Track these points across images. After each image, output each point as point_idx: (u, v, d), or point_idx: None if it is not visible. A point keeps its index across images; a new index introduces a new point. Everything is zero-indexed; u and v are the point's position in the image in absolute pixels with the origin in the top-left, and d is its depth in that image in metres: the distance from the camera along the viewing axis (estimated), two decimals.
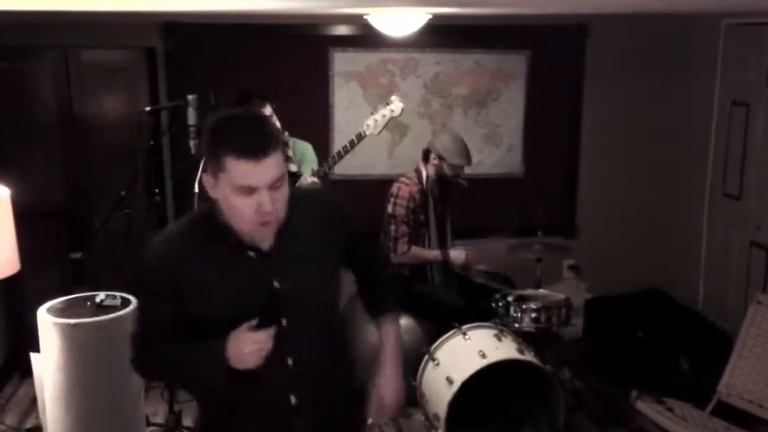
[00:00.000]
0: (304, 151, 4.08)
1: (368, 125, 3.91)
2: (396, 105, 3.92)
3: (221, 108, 1.85)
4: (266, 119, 1.87)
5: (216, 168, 1.76)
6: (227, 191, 1.76)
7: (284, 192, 1.80)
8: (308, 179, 3.80)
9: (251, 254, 1.85)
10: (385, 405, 2.03)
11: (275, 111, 3.90)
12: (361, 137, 3.90)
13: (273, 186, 1.76)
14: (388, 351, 2.08)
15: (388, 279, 2.24)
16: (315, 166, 4.05)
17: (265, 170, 1.73)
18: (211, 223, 1.86)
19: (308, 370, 1.92)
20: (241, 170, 1.72)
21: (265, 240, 1.83)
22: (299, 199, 1.95)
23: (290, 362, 1.90)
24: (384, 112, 3.92)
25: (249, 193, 1.74)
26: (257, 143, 1.73)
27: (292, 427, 1.93)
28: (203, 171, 1.84)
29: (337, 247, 1.98)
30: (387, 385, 2.03)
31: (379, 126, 3.91)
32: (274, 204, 1.76)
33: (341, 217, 2.03)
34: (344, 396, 2.09)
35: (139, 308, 2.00)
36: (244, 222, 1.79)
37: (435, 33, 4.75)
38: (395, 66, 5.08)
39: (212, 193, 1.82)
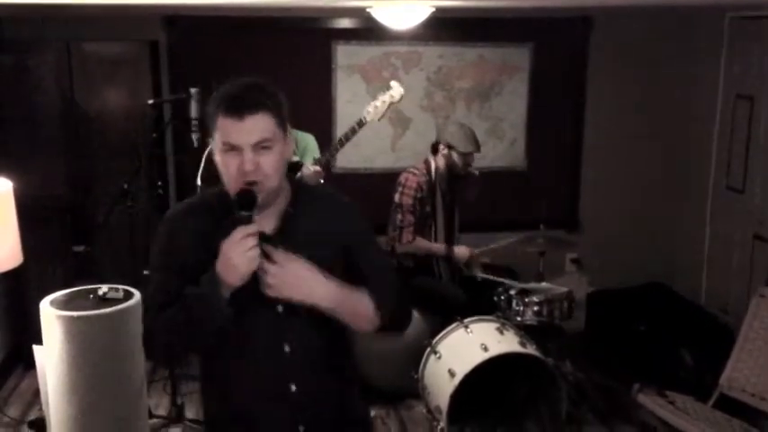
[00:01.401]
0: (306, 142, 4.07)
1: (368, 111, 3.88)
2: (396, 91, 3.89)
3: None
4: (266, 84, 1.85)
5: (212, 129, 1.82)
6: (218, 150, 1.81)
7: (272, 158, 1.80)
8: (309, 168, 3.79)
9: None
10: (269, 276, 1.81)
11: None
12: (361, 123, 3.88)
13: (258, 148, 1.78)
14: (344, 284, 1.88)
15: (395, 293, 2.01)
16: (317, 156, 4.04)
17: (249, 129, 1.76)
18: (222, 201, 1.87)
19: (306, 358, 1.91)
20: (226, 126, 1.77)
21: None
22: (311, 194, 1.98)
23: (286, 348, 1.88)
24: (384, 98, 3.88)
25: (233, 151, 1.78)
26: (243, 101, 1.77)
27: (295, 416, 1.92)
28: (211, 137, 1.87)
29: (341, 246, 1.94)
30: (292, 263, 1.81)
31: (380, 112, 3.87)
32: (258, 167, 1.77)
33: (348, 220, 2.00)
34: (345, 386, 2.06)
35: (151, 277, 1.95)
36: (229, 182, 1.81)
37: (438, 26, 4.74)
38: (398, 59, 5.07)
39: (215, 159, 1.86)
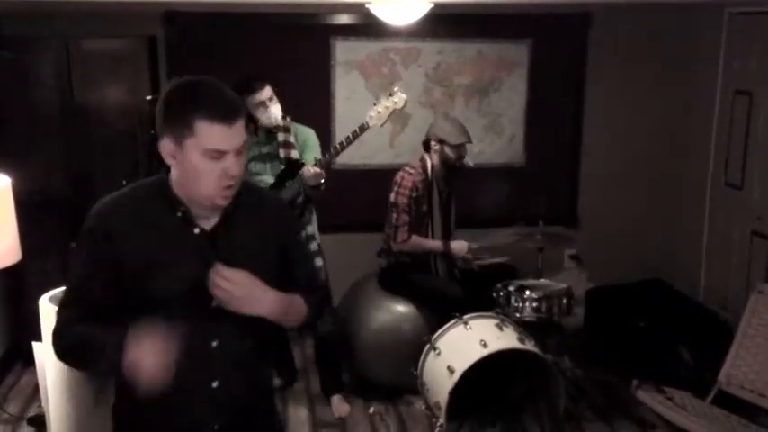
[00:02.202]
0: (306, 137, 4.06)
1: (371, 116, 3.86)
2: (399, 97, 3.87)
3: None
4: (225, 86, 1.84)
5: (182, 134, 1.76)
6: (193, 156, 1.77)
7: (243, 158, 1.84)
8: (311, 170, 3.78)
9: (195, 231, 1.86)
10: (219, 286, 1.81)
11: (276, 94, 3.89)
12: (363, 128, 3.87)
13: (239, 152, 1.80)
14: (286, 295, 1.93)
15: (318, 293, 2.14)
16: (317, 152, 4.03)
17: (235, 134, 1.77)
18: (161, 193, 1.86)
19: (232, 356, 1.92)
20: (213, 133, 1.75)
21: (223, 201, 1.83)
22: (250, 191, 1.99)
23: (213, 344, 1.89)
24: (387, 104, 3.86)
25: (218, 158, 1.77)
26: (230, 107, 1.77)
27: (212, 412, 1.92)
28: (159, 138, 1.81)
29: (277, 246, 1.99)
30: (244, 279, 1.82)
31: (383, 118, 3.86)
32: (239, 169, 1.80)
33: (286, 220, 2.09)
34: (266, 388, 2.11)
35: (72, 271, 1.91)
36: (208, 188, 1.79)
37: (437, 22, 4.74)
38: (396, 55, 5.06)
39: (171, 162, 1.82)
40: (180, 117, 1.76)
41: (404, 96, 3.88)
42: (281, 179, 3.87)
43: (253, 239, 1.93)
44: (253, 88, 3.81)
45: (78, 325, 1.86)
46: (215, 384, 1.91)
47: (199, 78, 1.83)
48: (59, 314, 1.92)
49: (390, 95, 3.92)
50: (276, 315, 1.90)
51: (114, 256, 1.83)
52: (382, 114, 3.85)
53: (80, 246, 1.90)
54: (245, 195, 1.93)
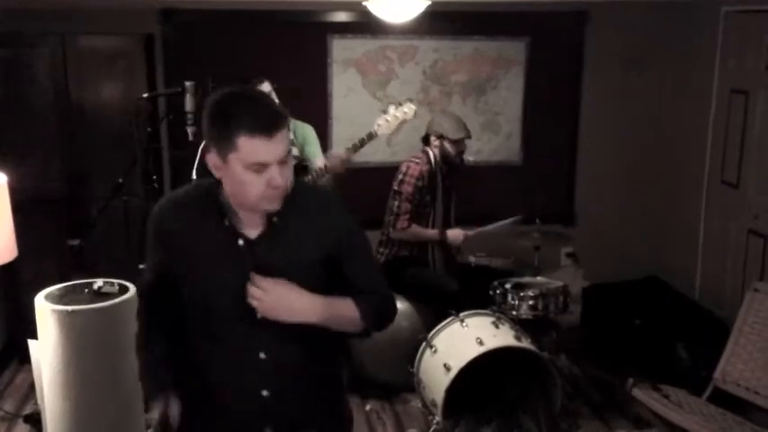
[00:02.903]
0: (306, 133, 4.07)
1: (379, 125, 3.77)
2: (409, 108, 3.79)
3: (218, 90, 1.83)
4: (268, 97, 1.86)
5: (225, 148, 1.75)
6: (237, 170, 1.75)
7: (290, 166, 1.83)
8: (317, 163, 3.80)
9: (240, 242, 1.86)
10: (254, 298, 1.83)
11: (275, 90, 3.89)
12: (371, 136, 3.81)
13: (283, 161, 1.77)
14: (329, 298, 1.91)
15: (376, 297, 2.01)
16: (317, 147, 4.04)
17: (277, 146, 1.75)
18: (212, 200, 1.87)
19: (282, 365, 1.91)
20: (255, 147, 1.73)
21: (271, 206, 1.82)
22: (301, 192, 1.93)
23: (262, 356, 1.89)
24: (396, 114, 3.78)
25: (261, 170, 1.75)
26: (270, 119, 1.74)
27: (263, 420, 1.93)
28: (206, 152, 1.81)
29: (328, 245, 1.92)
30: (276, 286, 1.83)
31: (391, 127, 3.79)
32: (284, 178, 1.78)
33: (337, 218, 1.97)
34: (323, 393, 2.06)
35: (144, 268, 2.04)
36: (254, 198, 1.79)
37: (434, 20, 4.73)
38: (393, 53, 5.06)
39: (218, 174, 1.82)
40: (222, 132, 1.75)
41: (413, 107, 3.82)
42: None
43: (299, 244, 1.89)
44: (251, 84, 3.81)
45: (144, 309, 2.07)
46: (265, 393, 1.91)
47: (240, 91, 1.82)
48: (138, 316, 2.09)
49: (400, 105, 3.89)
50: (320, 320, 1.87)
51: (166, 253, 1.92)
52: (391, 124, 3.78)
53: (145, 244, 1.99)
54: (295, 197, 1.89)
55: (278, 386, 1.92)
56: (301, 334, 1.88)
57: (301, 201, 1.92)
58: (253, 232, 1.87)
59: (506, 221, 4.27)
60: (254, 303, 1.81)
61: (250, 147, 1.72)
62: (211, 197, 1.87)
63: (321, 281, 1.91)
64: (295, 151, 3.96)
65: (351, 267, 1.96)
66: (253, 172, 1.75)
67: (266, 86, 3.85)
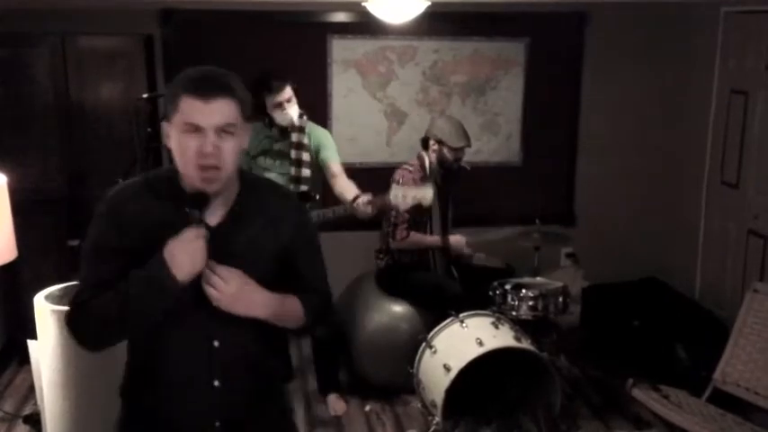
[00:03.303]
0: (321, 138, 4.05)
1: (396, 195, 3.54)
2: (428, 193, 3.55)
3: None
4: (230, 73, 1.85)
5: (172, 111, 1.80)
6: (177, 131, 1.80)
7: (233, 143, 1.81)
8: (333, 168, 3.89)
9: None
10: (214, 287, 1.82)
11: (295, 91, 3.87)
12: (385, 201, 3.60)
13: (219, 132, 1.78)
14: (280, 295, 1.92)
15: (319, 298, 2.07)
16: (333, 152, 4.02)
17: (213, 111, 1.77)
18: (170, 185, 1.88)
19: (235, 354, 1.92)
20: (191, 107, 1.76)
21: (204, 184, 1.80)
22: (261, 186, 2.00)
23: (216, 344, 1.89)
24: (415, 194, 3.55)
25: (195, 132, 1.77)
26: (208, 83, 1.78)
27: (213, 410, 1.92)
28: (162, 120, 1.86)
29: (283, 243, 1.95)
30: (236, 279, 1.82)
31: (408, 203, 3.53)
32: (219, 151, 1.78)
33: (295, 218, 2.01)
34: (272, 384, 2.08)
35: (83, 259, 1.91)
36: (186, 166, 1.80)
37: (434, 21, 4.74)
38: (393, 53, 5.06)
39: (167, 142, 1.85)
40: (170, 95, 1.81)
41: (431, 194, 3.54)
42: None
43: (256, 236, 1.91)
44: (271, 88, 3.80)
45: (96, 299, 1.83)
46: (216, 383, 1.91)
47: (203, 66, 1.86)
48: (73, 301, 1.89)
49: (419, 188, 3.75)
50: (268, 316, 1.90)
51: (119, 242, 1.85)
52: (408, 200, 3.64)
53: (91, 228, 1.91)
54: (255, 190, 1.94)
55: (230, 377, 1.91)
56: (254, 324, 1.89)
57: (262, 194, 1.97)
58: (212, 219, 1.87)
59: (508, 231, 4.26)
60: (212, 293, 1.80)
61: (187, 106, 1.77)
62: (169, 183, 1.88)
63: (272, 275, 1.92)
64: (306, 156, 3.96)
65: (301, 265, 2.02)
66: (186, 133, 1.78)
67: (286, 92, 3.82)
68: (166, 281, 1.75)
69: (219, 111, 1.78)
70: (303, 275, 2.03)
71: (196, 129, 1.77)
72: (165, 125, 1.86)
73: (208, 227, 1.84)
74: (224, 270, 1.80)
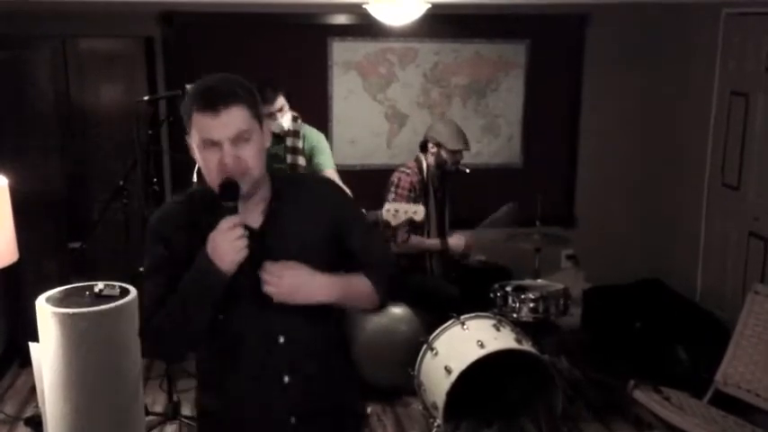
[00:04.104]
0: (317, 141, 4.04)
1: (387, 210, 3.65)
2: (420, 209, 3.69)
3: None
4: (237, 78, 1.85)
5: (189, 126, 1.82)
6: (197, 148, 1.81)
7: (251, 149, 1.82)
8: (327, 173, 3.83)
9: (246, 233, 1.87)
10: (273, 281, 1.83)
11: (287, 98, 3.88)
12: (377, 218, 3.67)
13: (237, 140, 1.78)
14: (343, 276, 1.94)
15: (383, 269, 2.04)
16: (328, 156, 4.00)
17: (224, 124, 1.77)
18: (206, 198, 1.88)
19: (300, 348, 1.92)
20: (203, 123, 1.77)
21: (244, 184, 1.82)
22: (290, 181, 2.02)
23: (281, 340, 1.90)
24: (407, 209, 3.68)
25: (213, 146, 1.78)
26: (215, 95, 1.77)
27: (287, 407, 1.93)
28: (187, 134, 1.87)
29: (331, 224, 1.97)
30: (288, 271, 1.84)
31: (399, 219, 3.66)
32: (238, 160, 1.79)
33: (333, 197, 2.04)
34: (342, 377, 2.07)
35: (145, 279, 1.96)
36: (212, 178, 1.81)
37: (435, 22, 4.74)
38: (394, 55, 5.07)
39: (194, 155, 1.86)
40: (185, 111, 1.82)
41: (423, 211, 3.69)
42: None
43: (302, 227, 1.92)
44: (264, 99, 3.80)
45: (160, 311, 1.87)
46: (286, 380, 1.91)
47: (211, 75, 1.86)
48: (143, 318, 1.93)
49: (411, 203, 3.86)
50: (335, 298, 1.90)
51: (171, 259, 1.87)
52: (399, 216, 3.68)
53: (145, 248, 1.94)
54: (286, 186, 1.96)
55: (297, 369, 1.92)
56: (316, 315, 1.90)
57: (295, 186, 1.98)
58: (255, 222, 1.89)
59: (499, 212, 4.25)
60: (271, 290, 1.81)
61: (200, 122, 1.78)
62: (207, 198, 1.88)
63: (329, 261, 1.93)
64: (302, 160, 3.95)
65: (354, 242, 2.00)
66: (205, 149, 1.79)
67: (279, 102, 3.82)
68: (211, 273, 1.77)
69: (231, 121, 1.77)
70: (360, 251, 2.00)
71: (213, 143, 1.78)
72: (188, 140, 1.87)
73: (252, 231, 1.85)
74: (277, 266, 1.82)
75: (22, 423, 3.95)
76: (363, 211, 2.17)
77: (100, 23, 4.65)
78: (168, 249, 1.88)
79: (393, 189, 4.17)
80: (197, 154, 1.84)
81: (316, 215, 1.95)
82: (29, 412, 4.04)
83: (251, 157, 1.81)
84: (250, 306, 1.87)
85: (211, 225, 1.80)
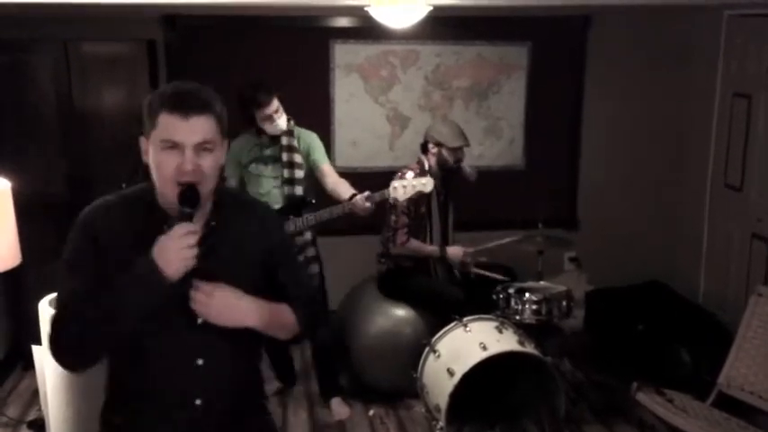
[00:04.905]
0: (310, 141, 4.06)
1: (395, 188, 3.72)
2: (428, 180, 3.77)
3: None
4: (208, 89, 1.85)
5: (150, 126, 1.79)
6: (155, 148, 1.79)
7: (212, 160, 1.81)
8: (323, 169, 3.88)
9: None
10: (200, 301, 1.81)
11: (280, 100, 3.88)
12: (383, 196, 3.75)
13: (199, 149, 1.78)
14: (270, 303, 1.93)
15: (309, 306, 2.07)
16: (323, 154, 4.03)
17: (192, 128, 1.76)
18: (150, 202, 1.87)
19: (218, 372, 1.91)
20: (169, 123, 1.76)
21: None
22: (235, 200, 2.01)
23: (199, 362, 1.88)
24: (414, 183, 3.74)
25: (173, 149, 1.76)
26: (188, 100, 1.77)
27: (194, 429, 1.91)
28: (141, 136, 1.85)
29: (263, 254, 1.97)
30: (218, 291, 1.82)
31: (407, 194, 3.74)
32: (198, 168, 1.77)
33: (272, 228, 2.05)
34: (254, 401, 2.08)
35: (61, 276, 1.91)
36: (165, 182, 1.79)
37: (436, 25, 4.74)
38: (396, 58, 5.07)
39: (144, 158, 1.85)
40: (150, 111, 1.80)
41: (432, 183, 3.77)
42: (282, 215, 3.84)
43: (237, 249, 1.92)
44: (259, 104, 3.80)
45: (73, 311, 1.81)
46: (198, 402, 1.90)
47: (182, 82, 1.86)
48: (52, 318, 1.89)
49: (420, 176, 3.87)
50: (258, 324, 1.89)
51: (95, 256, 1.84)
52: (407, 191, 3.72)
53: (67, 244, 1.91)
54: (230, 204, 1.95)
55: (212, 394, 1.90)
56: (236, 340, 1.89)
57: (238, 208, 1.98)
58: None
59: (506, 241, 4.24)
60: (199, 308, 1.80)
61: (166, 122, 1.76)
62: (146, 201, 1.87)
63: (256, 287, 1.91)
64: (298, 158, 3.96)
65: (285, 275, 2.02)
66: (164, 150, 1.77)
67: (274, 105, 3.82)
68: (155, 278, 1.73)
69: (199, 128, 1.77)
70: (289, 285, 2.03)
71: (175, 145, 1.76)
72: (142, 140, 1.85)
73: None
74: (208, 286, 1.80)
75: (25, 426, 3.95)
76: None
77: (102, 27, 4.66)
78: (95, 247, 1.84)
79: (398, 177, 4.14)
80: (151, 155, 1.81)
81: (252, 240, 1.95)
82: (32, 415, 4.04)
83: (209, 168, 1.80)
84: (174, 323, 1.84)
85: (150, 229, 1.78)
